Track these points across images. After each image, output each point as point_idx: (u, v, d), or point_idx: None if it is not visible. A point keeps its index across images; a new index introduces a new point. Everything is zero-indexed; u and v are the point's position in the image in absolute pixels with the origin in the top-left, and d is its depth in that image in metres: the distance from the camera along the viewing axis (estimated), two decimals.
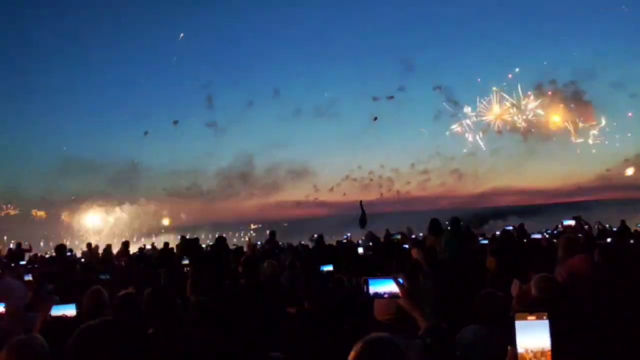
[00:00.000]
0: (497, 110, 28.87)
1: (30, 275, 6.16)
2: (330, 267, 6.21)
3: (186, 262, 8.14)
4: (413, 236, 11.10)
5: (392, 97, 29.64)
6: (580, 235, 8.31)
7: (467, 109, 29.47)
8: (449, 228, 8.78)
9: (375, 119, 29.88)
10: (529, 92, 28.39)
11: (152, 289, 3.44)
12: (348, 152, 30.26)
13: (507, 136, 29.34)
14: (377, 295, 2.20)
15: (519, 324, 1.80)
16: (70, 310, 3.30)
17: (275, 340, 3.05)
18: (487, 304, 3.65)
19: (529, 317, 1.81)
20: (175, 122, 30.25)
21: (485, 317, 3.56)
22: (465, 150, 29.66)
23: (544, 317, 1.80)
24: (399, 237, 10.38)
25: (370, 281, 2.22)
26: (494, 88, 28.70)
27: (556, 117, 27.61)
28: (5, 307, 3.36)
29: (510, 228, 13.03)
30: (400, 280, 2.14)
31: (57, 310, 3.30)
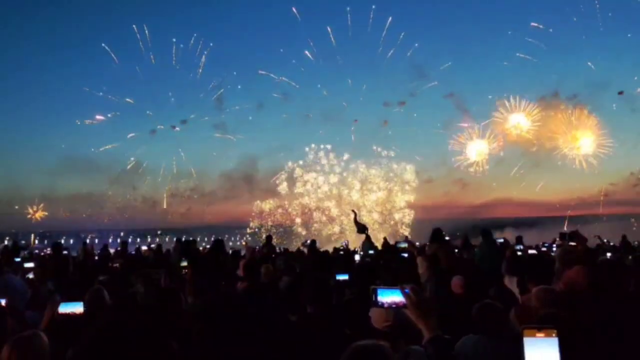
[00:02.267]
0: (501, 120, 29.05)
1: (32, 273, 6.14)
2: (345, 277, 6.01)
3: (184, 264, 8.08)
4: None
5: (403, 103, 29.63)
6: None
7: (473, 119, 29.63)
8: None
9: (386, 122, 29.89)
10: (535, 104, 28.54)
11: (160, 289, 3.44)
12: (353, 157, 29.93)
13: (509, 147, 29.49)
14: (386, 305, 2.18)
15: (527, 340, 1.74)
16: (78, 308, 3.30)
17: (275, 344, 3.06)
18: (486, 315, 3.67)
19: (538, 334, 1.75)
20: (184, 122, 30.11)
21: (484, 327, 3.58)
22: (468, 160, 29.73)
23: (553, 335, 1.73)
24: (405, 245, 10.28)
25: (379, 291, 2.21)
26: (497, 100, 28.89)
27: (559, 129, 27.80)
28: (6, 302, 3.35)
29: (502, 240, 12.94)
30: (407, 290, 2.14)
31: (65, 308, 3.30)
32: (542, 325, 1.84)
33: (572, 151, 27.88)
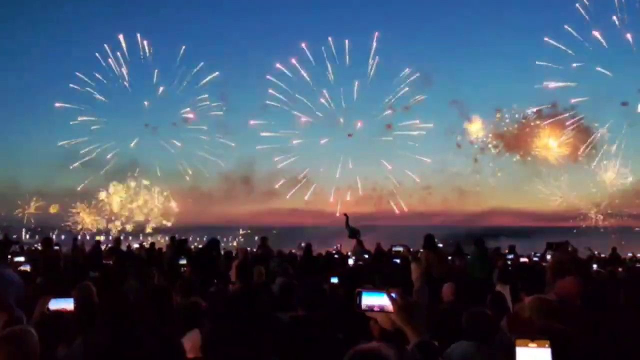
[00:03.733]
0: (500, 130, 29.21)
1: (23, 266, 6.10)
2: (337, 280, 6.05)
3: (183, 262, 8.05)
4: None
5: (408, 108, 29.47)
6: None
7: (472, 128, 29.71)
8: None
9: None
10: (533, 113, 28.66)
11: (152, 287, 3.43)
12: (354, 162, 29.66)
13: (507, 157, 29.58)
14: (369, 308, 2.14)
15: (519, 350, 1.76)
16: (69, 304, 3.28)
17: (267, 346, 3.04)
18: (476, 322, 3.69)
19: (530, 344, 1.76)
20: (187, 120, 29.77)
21: (474, 334, 3.60)
22: (468, 169, 29.83)
23: (546, 345, 1.75)
24: (401, 249, 10.19)
25: (364, 293, 2.18)
26: (496, 112, 29.06)
27: (557, 139, 27.95)
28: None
29: (489, 248, 12.99)
30: (394, 295, 2.10)
31: (56, 304, 3.27)
32: (535, 335, 1.85)
33: (570, 162, 28.10)
